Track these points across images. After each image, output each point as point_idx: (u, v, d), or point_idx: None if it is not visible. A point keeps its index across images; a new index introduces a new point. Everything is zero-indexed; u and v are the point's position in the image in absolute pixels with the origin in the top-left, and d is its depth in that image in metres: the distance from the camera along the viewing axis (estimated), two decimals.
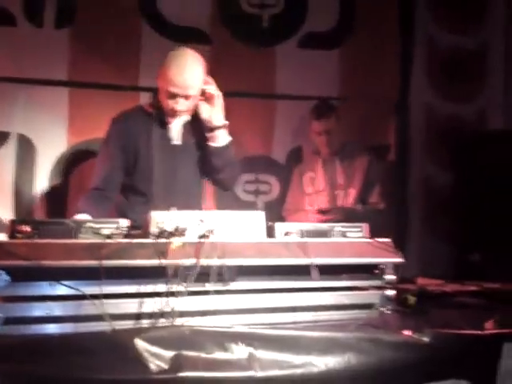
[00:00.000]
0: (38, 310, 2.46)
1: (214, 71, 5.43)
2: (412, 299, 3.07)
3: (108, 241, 2.55)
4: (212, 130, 3.99)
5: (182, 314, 2.51)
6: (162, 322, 2.49)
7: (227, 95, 5.50)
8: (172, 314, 2.48)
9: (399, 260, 2.93)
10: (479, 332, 2.61)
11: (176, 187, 3.99)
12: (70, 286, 2.45)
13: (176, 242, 2.56)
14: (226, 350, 2.28)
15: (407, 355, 2.50)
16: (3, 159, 5.11)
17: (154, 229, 2.64)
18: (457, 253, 5.46)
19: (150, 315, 2.52)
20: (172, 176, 4.00)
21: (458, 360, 2.57)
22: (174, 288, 2.49)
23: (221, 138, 4.02)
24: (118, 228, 2.69)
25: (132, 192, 4.05)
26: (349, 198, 5.26)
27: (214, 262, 2.56)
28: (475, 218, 5.32)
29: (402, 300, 3.05)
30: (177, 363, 2.20)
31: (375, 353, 2.45)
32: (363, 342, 2.46)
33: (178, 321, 2.47)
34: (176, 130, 4.03)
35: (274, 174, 5.75)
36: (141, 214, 3.22)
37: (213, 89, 3.98)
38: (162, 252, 2.53)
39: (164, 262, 2.51)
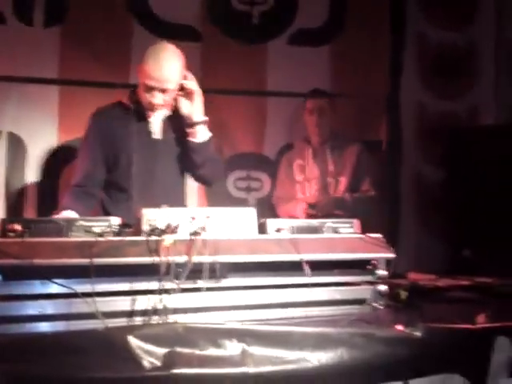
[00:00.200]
0: (31, 308, 2.45)
1: (204, 68, 5.47)
2: (404, 294, 3.07)
3: (100, 239, 2.55)
4: (192, 125, 3.99)
5: (175, 311, 2.52)
6: (155, 319, 2.49)
7: (218, 92, 5.54)
8: (165, 311, 2.48)
9: (391, 255, 2.95)
10: (471, 326, 2.62)
11: (156, 182, 4.00)
12: (62, 285, 2.45)
13: (168, 239, 2.56)
14: (219, 346, 2.29)
15: (400, 350, 2.51)
16: None
17: (145, 226, 2.64)
18: (450, 249, 5.47)
19: (143, 312, 2.52)
20: (152, 171, 4.01)
21: (451, 354, 2.58)
22: (167, 285, 2.50)
23: (201, 134, 4.02)
24: (109, 226, 2.68)
25: (114, 188, 4.05)
26: (340, 185, 5.26)
27: (206, 259, 2.57)
28: (468, 214, 5.33)
29: (394, 295, 3.06)
30: (170, 360, 2.20)
31: (368, 348, 2.46)
32: (356, 337, 2.46)
33: (171, 318, 2.48)
34: (156, 124, 4.04)
35: (266, 170, 5.73)
36: (123, 211, 3.23)
37: (192, 84, 3.97)
38: (154, 249, 2.53)
39: (156, 259, 2.51)
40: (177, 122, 4.06)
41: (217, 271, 2.61)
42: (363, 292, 2.90)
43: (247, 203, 5.54)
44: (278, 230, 2.89)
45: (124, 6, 5.42)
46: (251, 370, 2.27)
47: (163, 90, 3.87)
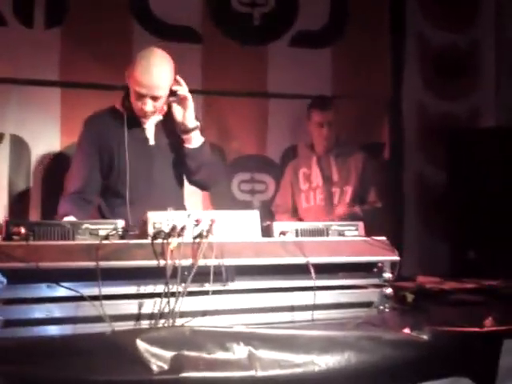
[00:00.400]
0: (38, 311, 2.45)
1: (205, 70, 5.47)
2: (410, 297, 3.08)
3: (105, 242, 2.54)
4: (186, 132, 3.97)
5: (182, 315, 2.51)
6: (162, 322, 2.49)
7: (218, 94, 5.54)
8: (171, 315, 2.47)
9: (395, 258, 2.94)
10: (479, 329, 2.62)
11: (152, 187, 3.99)
12: (69, 288, 2.45)
13: (173, 242, 2.55)
14: (226, 349, 2.28)
15: (407, 353, 2.50)
16: None
17: (151, 229, 2.63)
18: (453, 251, 5.47)
19: (150, 316, 2.52)
20: (147, 176, 3.99)
21: (458, 357, 2.58)
22: (173, 288, 2.49)
23: (195, 140, 3.99)
24: (115, 229, 2.68)
25: (110, 194, 4.04)
26: (345, 195, 5.26)
27: (212, 262, 2.56)
28: (470, 215, 5.33)
29: (401, 298, 3.06)
30: (178, 364, 2.20)
31: (375, 351, 2.46)
32: (363, 341, 2.46)
33: (178, 321, 2.47)
34: (149, 130, 4.02)
35: (270, 173, 5.73)
36: (120, 216, 3.22)
37: (184, 90, 3.93)
38: (160, 252, 2.53)
39: (162, 262, 2.50)
40: (170, 127, 4.04)
41: (223, 274, 2.60)
42: (370, 295, 2.89)
43: (252, 206, 5.53)
44: (284, 233, 2.88)
45: (125, 7, 5.42)
46: (258, 373, 2.27)
47: (154, 98, 3.84)
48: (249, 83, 5.72)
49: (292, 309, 2.76)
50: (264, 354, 2.31)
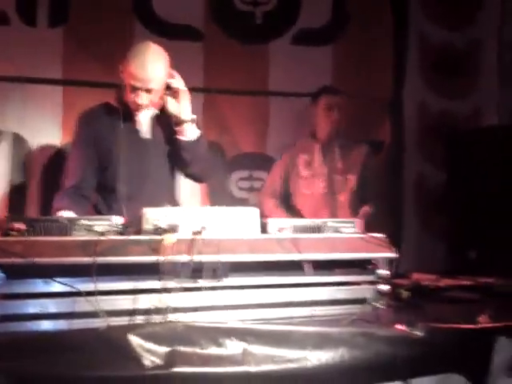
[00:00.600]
0: (33, 307, 2.46)
1: (207, 68, 5.48)
2: (405, 294, 3.08)
3: (102, 238, 2.56)
4: (180, 123, 3.96)
5: (176, 310, 2.52)
6: (156, 318, 2.50)
7: (220, 92, 5.55)
8: (166, 310, 2.48)
9: (393, 255, 2.94)
10: (473, 326, 2.62)
11: (147, 182, 3.98)
12: (64, 283, 2.46)
13: (169, 238, 2.56)
14: (220, 345, 2.29)
15: (401, 350, 2.51)
16: None
17: (147, 225, 2.65)
18: (451, 249, 5.47)
19: (145, 311, 2.53)
20: (142, 171, 3.99)
21: (452, 354, 2.58)
22: (168, 284, 2.50)
23: (189, 132, 3.99)
24: (111, 225, 2.69)
25: (105, 189, 4.03)
26: (349, 184, 5.25)
27: (208, 258, 2.57)
28: (469, 214, 5.33)
29: (396, 294, 3.06)
30: (171, 359, 2.21)
31: (369, 347, 2.47)
32: (357, 337, 2.47)
33: (172, 317, 2.48)
34: (144, 123, 4.02)
35: (268, 170, 5.72)
36: (116, 211, 3.23)
37: (178, 83, 3.94)
38: (156, 249, 2.54)
39: (158, 258, 2.51)
40: (165, 121, 4.04)
41: (218, 270, 2.61)
42: (364, 291, 2.90)
43: (249, 203, 5.53)
44: (280, 230, 2.89)
45: (127, 6, 5.43)
46: (252, 369, 2.28)
47: (148, 90, 3.85)
48: (250, 81, 5.72)
49: (286, 305, 2.77)
50: (257, 349, 2.32)
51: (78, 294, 2.45)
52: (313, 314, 2.75)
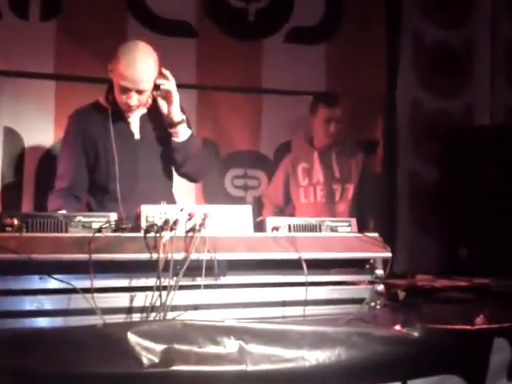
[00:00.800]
0: (29, 303, 2.45)
1: (200, 65, 5.47)
2: (402, 294, 3.08)
3: (98, 235, 2.55)
4: (173, 126, 3.95)
5: (173, 308, 2.51)
6: (153, 315, 2.49)
7: (213, 89, 5.54)
8: (163, 308, 2.48)
9: (388, 255, 2.95)
10: (470, 327, 2.62)
11: (140, 182, 3.97)
12: (60, 280, 2.45)
13: (166, 236, 2.55)
14: (217, 343, 2.28)
15: (397, 350, 2.50)
16: None
17: (144, 223, 2.64)
18: (445, 248, 5.48)
19: (141, 309, 2.53)
20: (134, 171, 3.98)
21: (449, 355, 2.58)
22: (165, 282, 2.49)
23: (182, 133, 3.98)
24: (107, 222, 2.68)
25: (97, 189, 4.04)
26: (347, 193, 5.25)
27: (205, 256, 2.57)
28: (463, 213, 5.34)
29: (392, 295, 3.06)
30: (168, 357, 2.19)
31: (365, 347, 2.45)
32: (353, 337, 2.46)
33: (169, 315, 2.48)
34: (134, 123, 4.01)
35: (263, 168, 5.74)
36: (109, 211, 3.21)
37: (168, 84, 3.90)
38: (153, 246, 2.53)
39: (154, 256, 2.51)
40: (155, 119, 4.03)
41: (215, 269, 2.60)
42: (361, 291, 2.91)
43: (244, 201, 5.54)
44: (276, 228, 2.89)
45: (120, 1, 5.41)
46: (249, 367, 2.26)
47: (139, 91, 3.83)
48: (243, 79, 5.72)
49: (283, 304, 2.77)
50: (255, 348, 2.31)
51: (75, 290, 2.44)
52: (309, 314, 2.74)
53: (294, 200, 5.39)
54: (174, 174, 4.25)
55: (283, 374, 2.33)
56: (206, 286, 2.60)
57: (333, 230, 3.01)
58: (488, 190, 5.16)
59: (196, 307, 2.62)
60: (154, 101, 3.97)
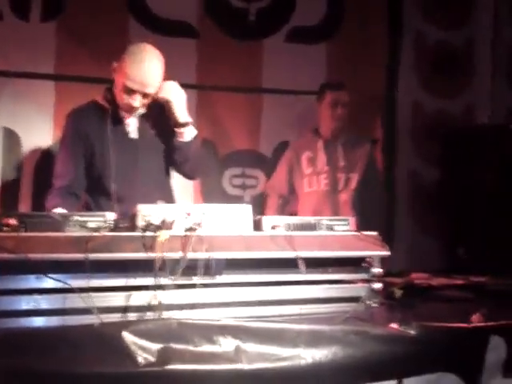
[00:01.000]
0: (25, 303, 2.45)
1: (200, 65, 5.47)
2: (398, 292, 3.08)
3: (95, 234, 2.55)
4: (180, 126, 3.94)
5: (170, 307, 2.51)
6: (150, 315, 2.49)
7: (214, 89, 5.54)
8: (159, 307, 2.48)
9: (386, 253, 2.94)
10: (466, 325, 2.62)
11: (138, 182, 3.94)
12: (57, 279, 2.45)
13: (163, 235, 2.56)
14: (213, 342, 2.29)
15: (394, 348, 2.51)
16: None
17: (141, 222, 2.64)
18: (444, 247, 5.48)
19: (138, 308, 2.52)
20: (132, 170, 3.96)
21: (445, 353, 2.58)
22: (162, 281, 2.50)
23: (186, 134, 3.97)
24: (104, 221, 2.68)
25: (96, 192, 4.03)
26: (351, 183, 5.24)
27: (201, 255, 2.57)
28: (462, 212, 5.33)
29: (389, 293, 3.06)
30: (164, 356, 2.20)
31: (362, 346, 2.46)
32: (350, 335, 2.47)
33: (166, 314, 2.48)
34: (132, 124, 4.00)
35: (261, 168, 5.73)
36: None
37: (172, 88, 3.90)
38: (149, 245, 2.53)
39: (151, 255, 2.51)
40: (153, 119, 4.02)
41: (212, 268, 2.61)
42: (358, 290, 2.89)
43: (242, 200, 5.53)
44: (274, 227, 2.89)
45: (121, 1, 5.41)
46: (245, 366, 2.27)
47: (145, 94, 3.82)
48: (243, 78, 5.72)
49: (280, 303, 2.77)
50: (251, 347, 2.32)
51: (71, 290, 2.44)
52: (305, 312, 2.74)
53: (298, 189, 5.37)
54: (176, 177, 4.25)
55: (279, 373, 2.34)
56: (203, 285, 2.60)
57: (330, 228, 3.01)
58: (488, 190, 5.16)
59: (192, 306, 2.60)
60: (154, 100, 3.95)
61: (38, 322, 2.46)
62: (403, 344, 2.52)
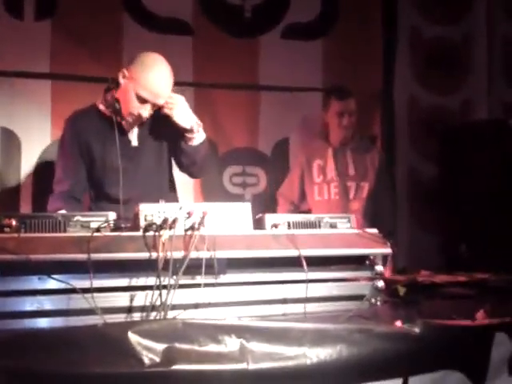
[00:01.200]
0: (28, 304, 2.44)
1: (196, 62, 5.47)
2: (402, 290, 3.08)
3: (97, 234, 2.54)
4: (189, 132, 3.88)
5: (174, 307, 2.51)
6: (154, 315, 2.49)
7: (210, 86, 5.54)
8: (163, 307, 2.47)
9: (388, 251, 2.94)
10: (470, 322, 2.62)
11: (141, 187, 3.93)
12: (60, 280, 2.44)
13: (165, 234, 2.55)
14: (218, 342, 2.28)
15: (398, 346, 2.50)
16: None
17: (143, 222, 2.63)
18: (444, 244, 5.48)
19: (141, 308, 2.53)
20: (135, 177, 3.94)
21: (450, 351, 2.57)
22: (165, 281, 2.49)
23: (195, 140, 3.92)
24: (106, 221, 2.67)
25: (99, 198, 4.01)
26: (362, 191, 5.23)
27: (204, 254, 2.56)
28: (462, 209, 5.34)
29: (393, 291, 3.06)
30: (169, 356, 2.19)
31: (366, 344, 2.45)
32: (354, 334, 2.45)
33: (170, 314, 2.47)
34: (135, 131, 3.96)
35: (261, 166, 5.74)
36: None
37: (179, 98, 3.84)
38: (152, 245, 2.52)
39: (154, 254, 2.50)
40: (155, 126, 3.98)
41: (215, 267, 2.60)
42: (362, 288, 2.90)
43: (243, 199, 5.53)
44: (276, 226, 2.88)
45: None
46: (250, 366, 2.26)
47: (154, 105, 3.78)
48: (240, 75, 5.72)
49: (284, 301, 2.76)
50: (256, 346, 2.30)
51: (74, 290, 2.43)
52: (309, 311, 2.74)
53: (309, 197, 5.36)
54: (176, 176, 4.25)
55: (285, 372, 2.33)
56: (206, 285, 2.59)
57: (332, 226, 3.00)
58: (486, 186, 5.16)
59: (196, 306, 2.60)
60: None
61: (42, 323, 2.46)
62: (408, 342, 2.51)
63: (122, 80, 3.80)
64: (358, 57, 5.84)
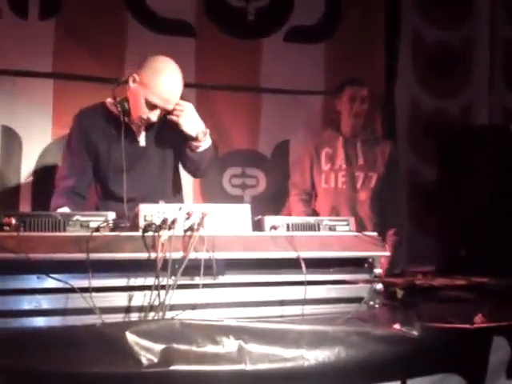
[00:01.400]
0: (27, 303, 2.45)
1: (199, 64, 5.46)
2: (400, 293, 3.08)
3: (96, 234, 2.54)
4: (194, 140, 3.89)
5: (172, 308, 2.51)
6: (152, 315, 2.49)
7: (212, 88, 5.53)
8: (161, 308, 2.47)
9: (386, 253, 2.95)
10: (469, 326, 2.62)
11: (144, 187, 3.94)
12: (58, 279, 2.44)
13: (164, 235, 2.55)
14: (216, 343, 2.29)
15: (396, 349, 2.51)
16: None
17: (142, 222, 2.63)
18: (443, 248, 5.47)
19: (140, 308, 2.53)
20: (139, 176, 3.94)
21: (448, 354, 2.58)
22: (163, 281, 2.49)
23: (202, 146, 3.93)
24: (105, 221, 2.67)
25: (106, 198, 4.00)
26: (371, 181, 5.23)
27: (203, 255, 2.56)
28: (461, 212, 5.33)
29: (391, 294, 3.06)
30: (167, 356, 2.20)
31: (364, 346, 2.46)
32: (352, 336, 2.46)
33: (168, 314, 2.47)
34: (141, 133, 3.96)
35: (261, 167, 5.74)
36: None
37: (188, 106, 3.85)
38: (151, 245, 2.53)
39: (153, 255, 2.50)
40: (163, 128, 3.97)
41: (214, 268, 2.60)
42: (360, 290, 2.90)
43: (242, 200, 5.53)
44: (275, 228, 2.88)
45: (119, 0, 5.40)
46: (248, 367, 2.27)
47: (163, 109, 3.79)
48: (242, 78, 5.71)
49: (282, 303, 2.77)
50: (254, 347, 2.31)
51: (73, 290, 2.43)
52: (308, 313, 2.74)
53: (316, 184, 5.36)
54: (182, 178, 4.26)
55: (282, 374, 2.33)
56: (205, 285, 2.59)
57: (331, 228, 3.01)
58: (486, 190, 5.15)
59: (194, 306, 2.61)
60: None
61: (40, 321, 2.46)
62: (406, 345, 2.52)
63: (132, 84, 3.79)
64: (360, 60, 5.82)
